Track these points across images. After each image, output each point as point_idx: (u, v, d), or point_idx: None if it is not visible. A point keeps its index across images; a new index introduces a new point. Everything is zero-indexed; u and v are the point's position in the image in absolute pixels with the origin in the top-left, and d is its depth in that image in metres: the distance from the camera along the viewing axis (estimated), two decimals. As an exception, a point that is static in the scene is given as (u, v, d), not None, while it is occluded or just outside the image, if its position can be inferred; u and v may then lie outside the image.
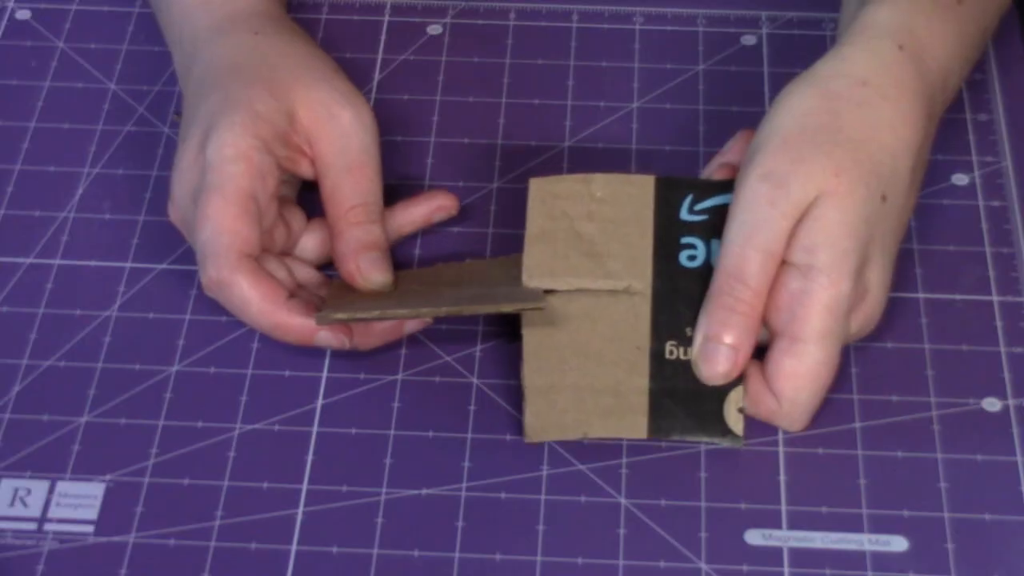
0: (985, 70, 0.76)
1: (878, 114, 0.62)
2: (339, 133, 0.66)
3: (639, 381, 0.63)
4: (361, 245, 0.65)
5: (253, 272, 0.63)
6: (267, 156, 0.64)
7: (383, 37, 0.79)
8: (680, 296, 0.63)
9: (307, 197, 0.69)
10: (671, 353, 0.63)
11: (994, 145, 0.73)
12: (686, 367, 0.63)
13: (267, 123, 0.65)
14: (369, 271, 0.65)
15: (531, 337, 0.64)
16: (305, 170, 0.67)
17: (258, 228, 0.64)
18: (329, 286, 0.67)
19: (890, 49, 0.64)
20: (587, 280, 0.64)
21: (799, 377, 0.61)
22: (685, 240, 0.64)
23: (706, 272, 0.63)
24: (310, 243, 0.68)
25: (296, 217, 0.68)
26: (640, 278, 0.64)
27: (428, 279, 0.67)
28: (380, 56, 0.78)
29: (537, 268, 0.64)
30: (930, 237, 0.70)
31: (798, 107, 0.63)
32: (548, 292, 0.64)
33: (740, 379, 0.62)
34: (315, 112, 0.66)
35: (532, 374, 0.63)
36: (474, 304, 0.63)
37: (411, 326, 0.66)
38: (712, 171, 0.66)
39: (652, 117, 0.75)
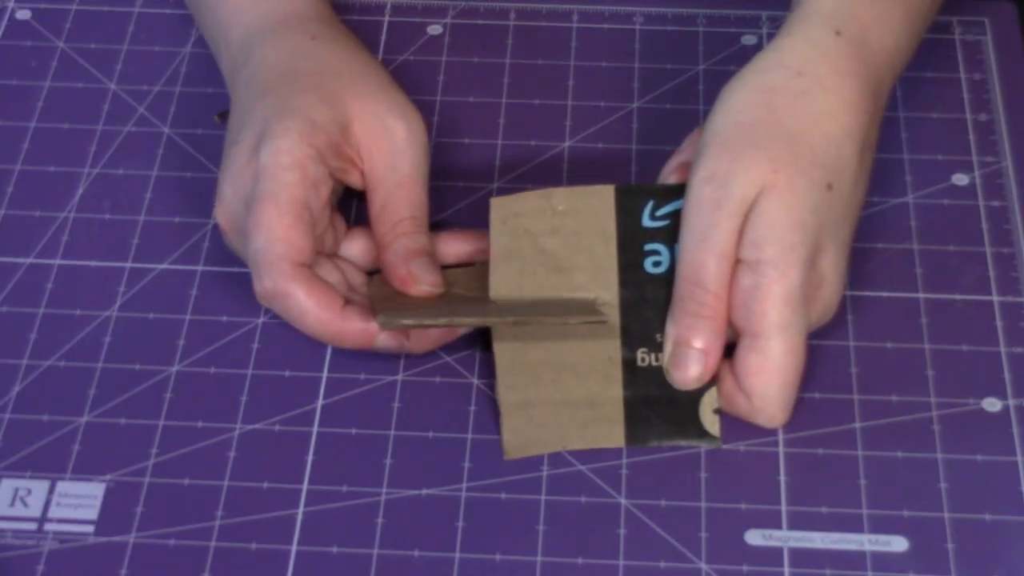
0: (985, 70, 0.76)
1: (817, 104, 0.62)
2: (391, 149, 0.66)
3: (613, 391, 0.63)
4: (409, 252, 0.65)
5: (308, 281, 0.62)
6: (321, 166, 0.64)
7: (383, 37, 0.79)
8: (648, 303, 0.64)
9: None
10: (643, 360, 0.63)
11: (994, 145, 0.73)
12: (659, 373, 0.63)
13: (322, 132, 0.64)
14: (421, 274, 0.65)
15: (503, 354, 0.64)
16: (355, 181, 0.67)
17: (311, 237, 0.63)
18: (370, 284, 0.66)
19: (827, 36, 0.64)
20: (554, 295, 0.64)
21: (765, 372, 0.61)
22: (649, 247, 0.64)
23: (672, 277, 0.63)
24: (353, 250, 0.67)
25: (339, 223, 0.67)
26: (607, 289, 0.64)
27: (465, 282, 0.67)
28: (380, 56, 0.78)
29: (504, 287, 0.64)
30: (930, 237, 0.70)
31: (735, 104, 0.63)
32: None
33: (713, 381, 0.62)
34: (369, 126, 0.66)
35: (507, 391, 0.63)
36: (539, 315, 0.63)
37: (463, 329, 0.66)
38: (670, 171, 0.66)
39: (652, 117, 0.75)
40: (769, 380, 0.61)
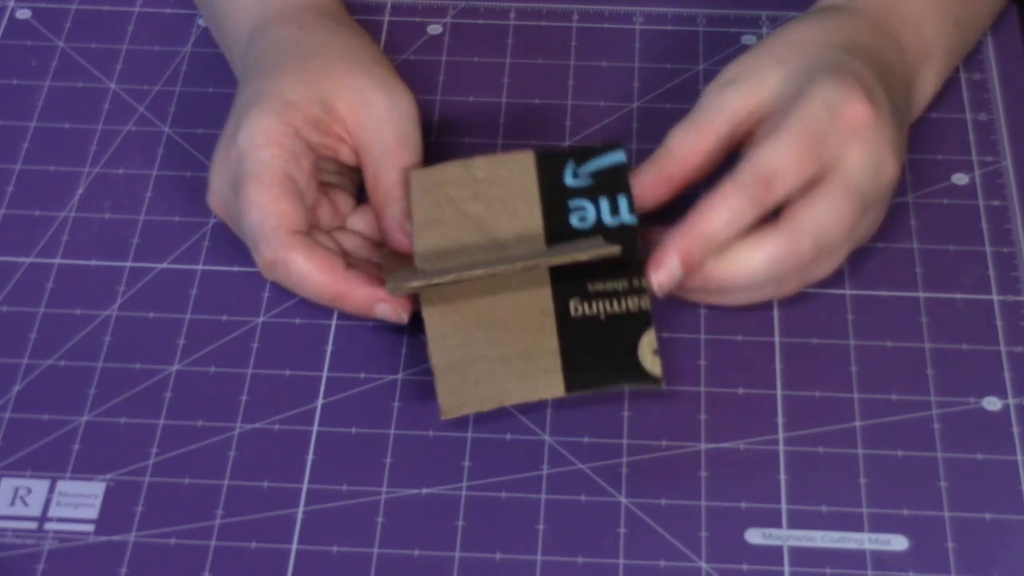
0: (985, 70, 0.76)
1: (823, 24, 0.67)
2: (374, 121, 0.67)
3: (549, 343, 0.63)
4: (403, 214, 0.66)
5: (306, 247, 0.64)
6: (298, 140, 0.65)
7: (383, 37, 0.79)
8: None
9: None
10: (576, 311, 0.63)
11: (994, 145, 0.73)
12: (593, 322, 0.63)
13: (298, 111, 0.66)
14: None
15: (432, 317, 0.63)
16: (346, 157, 0.68)
17: (302, 207, 0.65)
18: (381, 255, 0.67)
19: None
20: (481, 257, 0.64)
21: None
22: (573, 203, 0.65)
23: (597, 231, 0.64)
24: (358, 224, 0.68)
25: (342, 199, 0.69)
26: (533, 246, 0.64)
27: None
28: (380, 56, 0.78)
29: (430, 253, 0.64)
30: (930, 237, 0.70)
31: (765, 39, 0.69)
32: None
33: (649, 322, 0.62)
34: (350, 101, 0.67)
35: (439, 353, 0.63)
36: (549, 256, 0.63)
37: None
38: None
39: (652, 117, 0.75)
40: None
